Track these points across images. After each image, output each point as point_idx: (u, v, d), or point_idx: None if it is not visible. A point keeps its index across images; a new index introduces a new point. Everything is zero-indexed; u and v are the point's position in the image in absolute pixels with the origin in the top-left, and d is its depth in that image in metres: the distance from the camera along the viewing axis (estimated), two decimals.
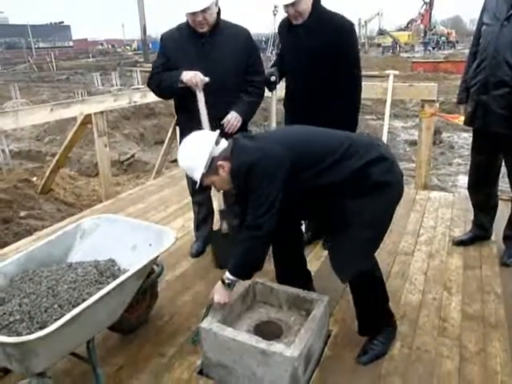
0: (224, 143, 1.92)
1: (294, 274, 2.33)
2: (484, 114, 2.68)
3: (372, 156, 1.86)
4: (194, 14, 2.43)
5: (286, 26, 2.71)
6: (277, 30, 2.94)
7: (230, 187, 1.97)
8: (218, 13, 2.56)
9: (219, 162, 1.87)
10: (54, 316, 1.69)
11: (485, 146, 2.83)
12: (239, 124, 2.61)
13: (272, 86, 2.78)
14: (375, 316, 2.10)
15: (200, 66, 2.52)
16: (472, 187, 3.04)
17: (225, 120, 2.58)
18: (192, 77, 2.48)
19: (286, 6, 2.52)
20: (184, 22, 2.63)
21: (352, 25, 2.65)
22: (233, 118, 2.60)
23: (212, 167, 1.87)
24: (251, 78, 2.67)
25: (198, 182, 1.89)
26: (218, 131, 1.98)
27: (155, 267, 2.25)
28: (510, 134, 2.62)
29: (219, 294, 1.96)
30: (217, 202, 2.84)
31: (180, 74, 2.51)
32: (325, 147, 1.90)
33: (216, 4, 2.51)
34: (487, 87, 2.63)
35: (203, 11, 2.43)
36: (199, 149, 1.87)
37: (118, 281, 1.76)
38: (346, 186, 1.86)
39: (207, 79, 2.50)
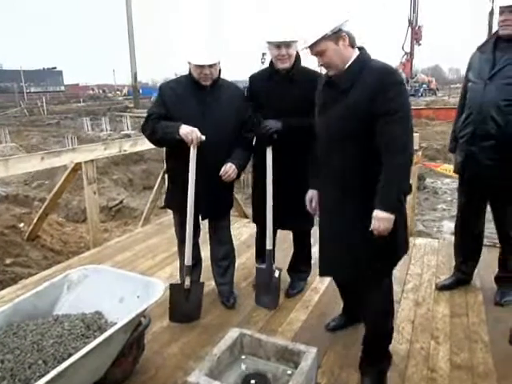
0: None
1: None
2: (473, 164, 2.79)
3: None
4: (202, 66, 2.55)
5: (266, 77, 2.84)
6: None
7: (337, 68, 1.92)
8: (219, 70, 2.69)
9: (344, 33, 1.86)
10: (38, 373, 1.67)
11: (472, 193, 2.93)
12: (234, 175, 2.72)
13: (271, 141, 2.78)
14: (377, 345, 2.23)
15: (201, 119, 2.62)
16: (459, 230, 3.12)
17: (222, 170, 2.68)
18: (188, 133, 2.53)
19: (279, 47, 2.63)
20: (183, 74, 2.74)
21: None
22: (231, 169, 2.69)
23: (334, 34, 1.85)
24: (245, 135, 2.81)
25: (307, 45, 1.88)
26: None
27: (142, 319, 2.23)
28: (497, 184, 2.73)
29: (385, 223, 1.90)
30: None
31: (179, 126, 2.55)
32: None
33: (219, 62, 2.64)
34: (475, 139, 2.75)
35: (210, 66, 2.56)
36: (332, 13, 1.86)
37: (104, 335, 1.76)
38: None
39: (203, 137, 2.56)
